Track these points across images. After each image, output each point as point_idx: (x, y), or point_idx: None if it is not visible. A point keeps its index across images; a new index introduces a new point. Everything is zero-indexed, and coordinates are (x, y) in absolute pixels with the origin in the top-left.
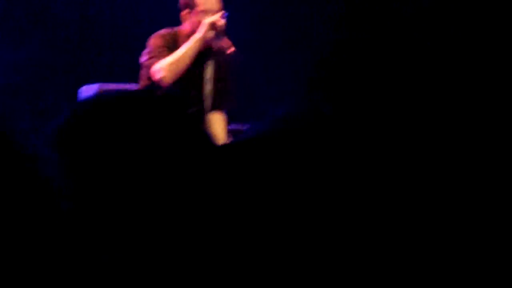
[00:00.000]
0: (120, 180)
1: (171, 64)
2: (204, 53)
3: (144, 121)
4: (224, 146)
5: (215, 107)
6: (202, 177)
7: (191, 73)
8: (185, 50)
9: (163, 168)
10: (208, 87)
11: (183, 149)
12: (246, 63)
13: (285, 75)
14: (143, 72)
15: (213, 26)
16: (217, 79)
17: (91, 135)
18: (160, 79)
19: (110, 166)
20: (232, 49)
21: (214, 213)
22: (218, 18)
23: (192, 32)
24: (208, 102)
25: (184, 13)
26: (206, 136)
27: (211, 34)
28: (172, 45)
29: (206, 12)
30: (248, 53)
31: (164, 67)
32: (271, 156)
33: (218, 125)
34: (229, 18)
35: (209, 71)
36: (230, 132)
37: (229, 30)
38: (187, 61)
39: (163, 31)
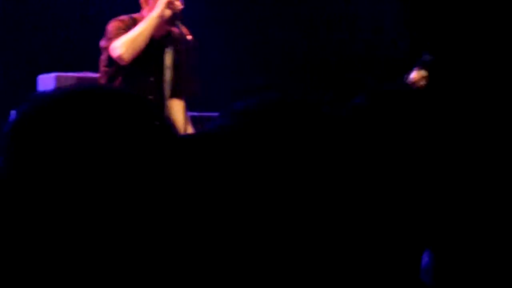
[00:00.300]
0: (74, 179)
1: (129, 41)
2: (163, 39)
3: (99, 119)
4: (184, 139)
5: (175, 94)
6: (161, 172)
7: (150, 59)
8: (143, 27)
9: (121, 164)
10: (168, 74)
11: (142, 147)
12: (204, 52)
13: (248, 65)
14: (102, 57)
15: (169, 5)
16: (176, 66)
17: (45, 133)
18: (119, 57)
19: (63, 165)
20: (190, 36)
21: (174, 209)
22: (175, 7)
23: None
24: (168, 89)
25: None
26: (168, 129)
27: (168, 13)
28: (131, 27)
29: None
30: (207, 42)
31: (122, 44)
32: (228, 150)
33: (178, 112)
34: (186, 4)
35: (168, 57)
36: (191, 120)
37: (187, 20)
38: (144, 38)
39: (121, 17)
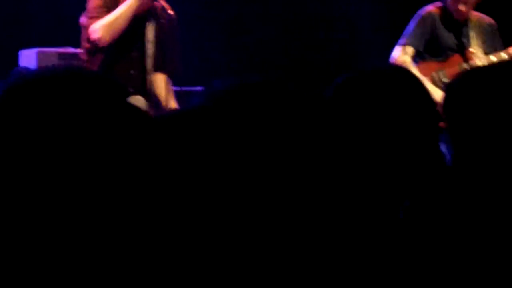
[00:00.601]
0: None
1: (109, 24)
2: (145, 14)
3: (73, 104)
4: (157, 120)
5: (157, 68)
6: (133, 154)
7: (132, 34)
8: (123, 10)
9: (94, 146)
10: (150, 48)
11: (113, 130)
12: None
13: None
14: (83, 34)
15: None
16: (158, 40)
17: (15, 118)
18: (98, 39)
19: (38, 149)
20: (171, 11)
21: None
22: None
23: None
24: (150, 63)
25: None
26: (137, 114)
27: None
28: (111, 5)
29: None
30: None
31: (101, 27)
32: (202, 131)
33: (161, 86)
34: None
35: (150, 32)
36: (175, 94)
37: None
38: (124, 20)
39: None
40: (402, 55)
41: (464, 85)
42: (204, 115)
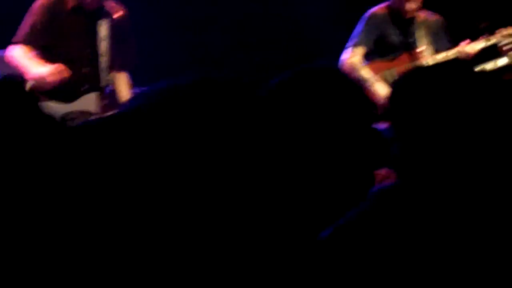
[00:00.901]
0: None
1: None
2: (96, 11)
3: None
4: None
5: (114, 67)
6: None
7: (85, 31)
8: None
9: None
10: (103, 45)
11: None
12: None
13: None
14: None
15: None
16: (112, 38)
17: None
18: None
19: None
20: (121, 10)
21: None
22: None
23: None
24: (104, 60)
25: None
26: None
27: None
28: (58, 12)
29: None
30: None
31: (9, 57)
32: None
33: (121, 85)
34: None
35: (103, 29)
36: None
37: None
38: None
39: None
40: (350, 57)
41: (408, 83)
42: (137, 115)
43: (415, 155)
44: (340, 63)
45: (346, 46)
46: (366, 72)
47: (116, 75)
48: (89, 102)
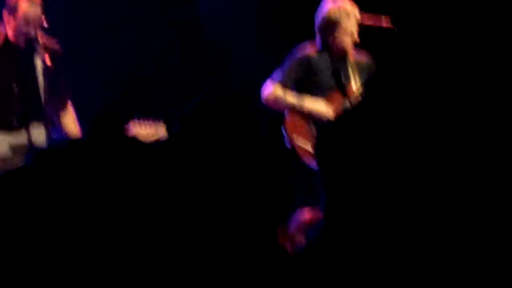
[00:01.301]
0: None
1: None
2: (30, 46)
3: None
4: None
5: (58, 100)
6: None
7: (22, 66)
8: None
9: None
10: (41, 79)
11: None
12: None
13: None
14: None
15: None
16: (49, 71)
17: None
18: None
19: None
20: (57, 47)
21: None
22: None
23: (12, 36)
24: (44, 94)
25: (5, 15)
26: None
27: None
28: None
29: (26, 24)
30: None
31: None
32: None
33: (69, 122)
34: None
35: (39, 63)
36: None
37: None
38: None
39: None
40: (273, 92)
41: (330, 130)
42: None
43: (341, 203)
44: (263, 98)
45: (272, 77)
46: (291, 97)
47: (61, 113)
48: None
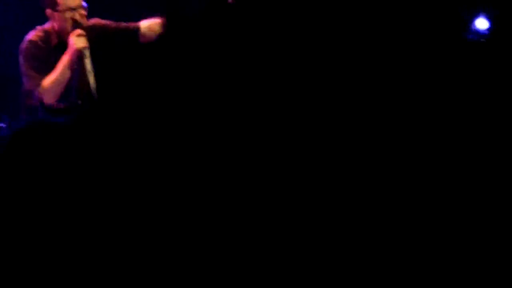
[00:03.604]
0: None
1: (51, 88)
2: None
3: None
4: None
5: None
6: None
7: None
8: (60, 72)
9: None
10: (91, 79)
11: None
12: None
13: None
14: (27, 98)
15: (77, 25)
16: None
17: None
18: (45, 102)
19: None
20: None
21: None
22: (80, 15)
23: (60, 29)
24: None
25: (48, 12)
26: None
27: (80, 42)
28: (45, 50)
29: (68, 10)
30: None
31: (45, 92)
32: None
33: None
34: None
35: (88, 62)
36: None
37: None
38: (65, 79)
39: (35, 34)
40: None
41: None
42: None
43: None
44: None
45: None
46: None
47: None
48: None
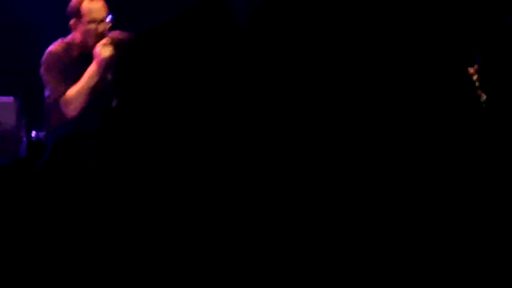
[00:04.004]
0: None
1: (75, 98)
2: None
3: None
4: None
5: None
6: None
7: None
8: (86, 82)
9: None
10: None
11: None
12: None
13: None
14: (51, 110)
15: (101, 37)
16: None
17: None
18: (68, 113)
19: None
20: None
21: None
22: (104, 27)
23: (82, 41)
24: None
25: (72, 22)
26: None
27: (107, 51)
28: (67, 60)
29: (92, 22)
30: None
31: (68, 102)
32: None
33: None
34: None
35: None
36: None
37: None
38: (90, 89)
39: (56, 46)
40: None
41: None
42: None
43: None
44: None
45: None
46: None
47: None
48: None
